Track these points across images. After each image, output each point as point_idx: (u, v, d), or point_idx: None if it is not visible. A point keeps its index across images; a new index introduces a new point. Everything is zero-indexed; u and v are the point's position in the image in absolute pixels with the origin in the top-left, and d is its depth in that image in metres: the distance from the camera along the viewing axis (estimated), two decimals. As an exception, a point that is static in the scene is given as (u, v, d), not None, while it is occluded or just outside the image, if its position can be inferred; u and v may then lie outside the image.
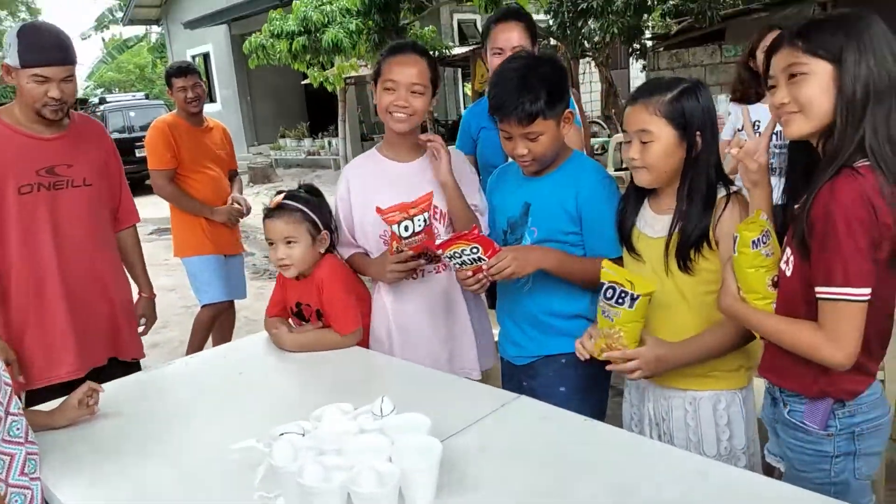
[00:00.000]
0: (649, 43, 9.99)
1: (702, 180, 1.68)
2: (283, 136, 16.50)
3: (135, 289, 2.69)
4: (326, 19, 9.31)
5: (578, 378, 1.99)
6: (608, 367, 1.73)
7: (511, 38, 2.59)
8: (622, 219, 1.85)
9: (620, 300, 1.62)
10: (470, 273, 1.90)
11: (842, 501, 1.19)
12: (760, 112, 3.10)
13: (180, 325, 5.19)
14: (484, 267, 1.86)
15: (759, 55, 3.14)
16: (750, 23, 8.15)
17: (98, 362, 2.39)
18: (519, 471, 1.39)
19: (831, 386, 1.44)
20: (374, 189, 2.18)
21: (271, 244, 2.15)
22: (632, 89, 18.71)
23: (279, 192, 2.21)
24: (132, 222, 2.64)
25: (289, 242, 2.11)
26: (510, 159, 2.08)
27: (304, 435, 1.40)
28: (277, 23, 9.74)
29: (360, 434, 1.40)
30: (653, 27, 10.63)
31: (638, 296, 1.59)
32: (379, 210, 2.06)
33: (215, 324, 3.98)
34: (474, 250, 1.84)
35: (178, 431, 1.69)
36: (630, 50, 10.22)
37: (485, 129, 2.82)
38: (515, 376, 2.13)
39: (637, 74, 16.50)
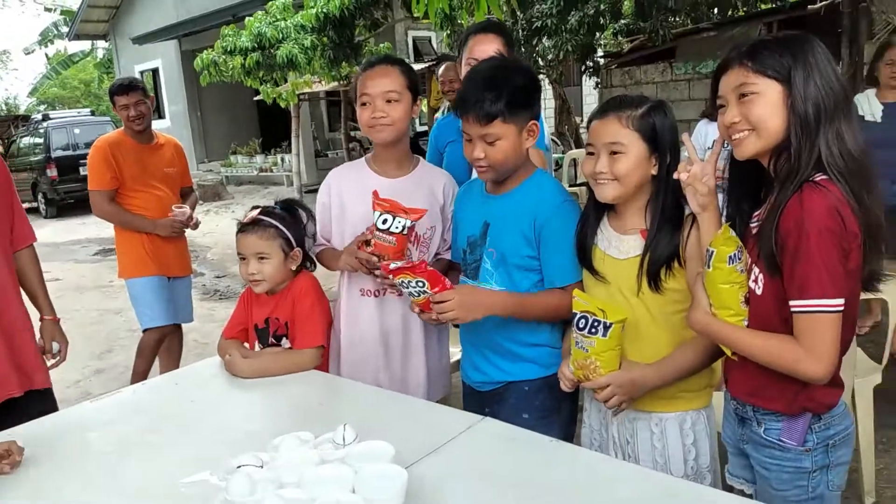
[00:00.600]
0: (602, 61, 10.16)
1: (671, 198, 1.67)
2: (234, 153, 16.24)
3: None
4: (281, 35, 9.21)
5: (543, 405, 1.95)
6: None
7: (487, 50, 2.54)
8: (582, 239, 1.81)
9: (594, 329, 1.59)
10: (417, 310, 1.88)
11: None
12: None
13: (126, 350, 5.02)
14: (426, 308, 1.84)
15: None
16: (700, 42, 8.37)
17: (11, 392, 2.22)
18: (487, 495, 1.34)
19: (811, 401, 1.44)
20: (354, 199, 2.17)
21: (243, 259, 2.13)
22: (585, 106, 19.04)
23: (254, 208, 2.20)
24: (28, 242, 2.46)
25: (261, 258, 2.10)
26: (475, 174, 2.05)
27: (261, 467, 1.33)
28: (230, 39, 9.60)
29: (320, 464, 1.33)
30: (605, 45, 10.82)
31: (611, 324, 1.56)
32: (375, 194, 2.02)
33: (160, 348, 3.84)
34: (420, 283, 1.81)
35: (127, 465, 1.59)
36: (583, 68, 10.37)
37: (452, 142, 2.78)
38: (477, 402, 2.07)
39: (590, 91, 16.78)
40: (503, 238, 1.92)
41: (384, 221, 1.97)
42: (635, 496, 1.30)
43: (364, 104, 2.09)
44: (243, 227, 2.14)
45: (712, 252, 1.48)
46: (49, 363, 2.44)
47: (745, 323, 1.49)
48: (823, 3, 7.47)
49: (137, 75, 17.69)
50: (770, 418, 1.51)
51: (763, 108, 1.40)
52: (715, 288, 1.49)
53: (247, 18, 9.92)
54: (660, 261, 1.66)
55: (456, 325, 2.26)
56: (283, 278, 2.15)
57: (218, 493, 1.32)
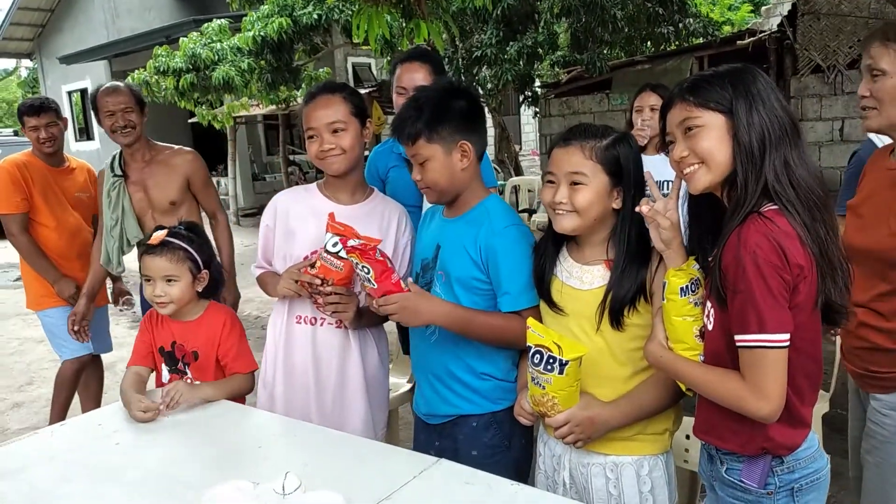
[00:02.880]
0: (540, 90, 10.31)
1: (636, 232, 1.61)
2: (167, 177, 15.76)
3: None
4: (217, 57, 9.00)
5: (491, 441, 1.87)
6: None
7: (415, 77, 2.56)
8: (539, 270, 1.74)
9: (549, 366, 1.51)
10: (361, 289, 1.85)
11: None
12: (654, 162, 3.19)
13: (48, 383, 4.70)
14: (368, 300, 1.80)
15: (635, 114, 3.36)
16: (634, 74, 8.57)
17: None
18: (444, 548, 1.24)
19: (768, 442, 1.39)
20: (301, 220, 2.10)
21: (148, 280, 2.07)
22: (523, 135, 19.30)
23: (159, 228, 2.14)
24: None
25: (169, 280, 2.06)
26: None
27: (194, 523, 1.20)
28: (163, 59, 9.33)
29: (262, 518, 1.21)
30: (542, 76, 11.01)
31: (567, 361, 1.49)
32: (331, 216, 1.94)
33: (79, 380, 3.63)
34: (365, 270, 1.75)
35: (39, 521, 1.43)
36: (522, 97, 10.50)
37: (395, 167, 2.73)
38: (427, 435, 2.00)
39: (528, 120, 17.05)
40: (451, 260, 1.86)
41: (335, 245, 1.88)
42: (602, 544, 1.23)
43: (311, 137, 2.04)
44: (150, 249, 2.08)
45: (665, 283, 1.46)
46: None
47: (701, 358, 1.44)
48: (751, 39, 7.77)
49: (65, 95, 17.06)
50: (731, 458, 1.47)
51: (708, 140, 1.39)
52: (669, 320, 1.46)
53: (181, 39, 9.69)
54: (624, 299, 1.60)
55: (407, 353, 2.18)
56: (189, 300, 2.11)
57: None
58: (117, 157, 3.16)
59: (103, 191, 3.15)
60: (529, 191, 8.95)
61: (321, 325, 2.09)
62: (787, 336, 1.30)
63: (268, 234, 2.17)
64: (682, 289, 1.44)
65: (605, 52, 9.38)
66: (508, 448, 1.89)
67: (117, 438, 1.81)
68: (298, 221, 2.12)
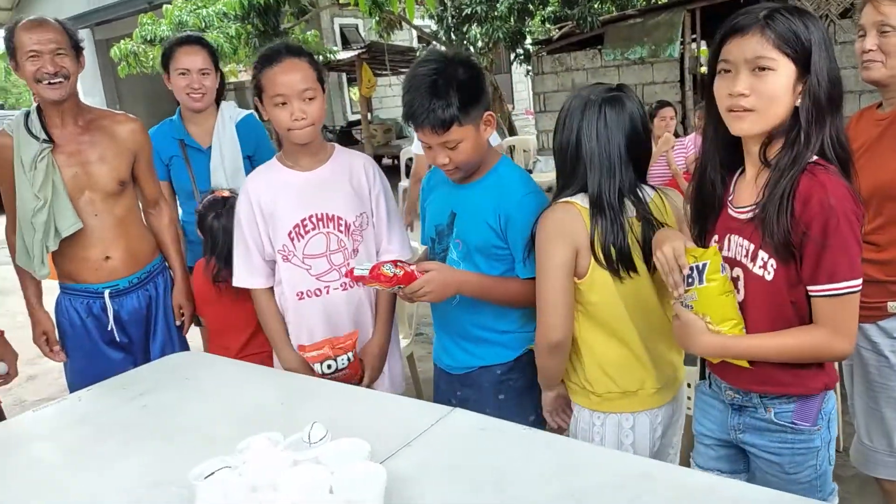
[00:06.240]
0: (532, 48, 10.24)
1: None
2: (158, 146, 15.68)
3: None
4: (203, 24, 8.91)
5: (516, 385, 1.96)
6: None
7: (196, 60, 2.80)
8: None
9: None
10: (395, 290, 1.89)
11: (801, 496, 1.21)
12: None
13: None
14: (399, 294, 1.86)
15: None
16: (626, 28, 8.52)
17: None
18: (464, 487, 1.32)
19: (828, 377, 1.46)
20: (275, 199, 2.09)
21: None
22: (515, 94, 18.99)
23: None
24: None
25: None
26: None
27: (232, 471, 1.28)
28: (149, 28, 9.22)
29: (294, 466, 1.29)
30: (532, 32, 10.92)
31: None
32: (301, 348, 2.04)
33: None
34: (398, 289, 1.84)
35: (79, 476, 1.50)
36: (514, 55, 10.43)
37: (176, 157, 2.85)
38: (449, 385, 2.08)
39: (520, 79, 16.92)
40: (469, 229, 1.91)
41: (329, 367, 2.01)
42: (610, 480, 1.31)
43: (279, 104, 1.97)
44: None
45: (704, 265, 1.42)
46: None
47: (743, 328, 1.45)
48: (743, -10, 7.72)
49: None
50: (780, 402, 1.48)
51: (777, 86, 1.33)
52: (715, 301, 1.43)
53: (165, 6, 9.55)
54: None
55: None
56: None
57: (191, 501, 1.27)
58: (33, 116, 2.32)
59: (19, 161, 2.27)
60: (525, 151, 8.96)
61: (327, 293, 2.12)
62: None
63: (248, 219, 2.14)
64: (722, 266, 1.43)
65: (595, 6, 9.31)
66: (531, 389, 1.95)
67: (144, 401, 1.88)
68: (274, 202, 2.10)
